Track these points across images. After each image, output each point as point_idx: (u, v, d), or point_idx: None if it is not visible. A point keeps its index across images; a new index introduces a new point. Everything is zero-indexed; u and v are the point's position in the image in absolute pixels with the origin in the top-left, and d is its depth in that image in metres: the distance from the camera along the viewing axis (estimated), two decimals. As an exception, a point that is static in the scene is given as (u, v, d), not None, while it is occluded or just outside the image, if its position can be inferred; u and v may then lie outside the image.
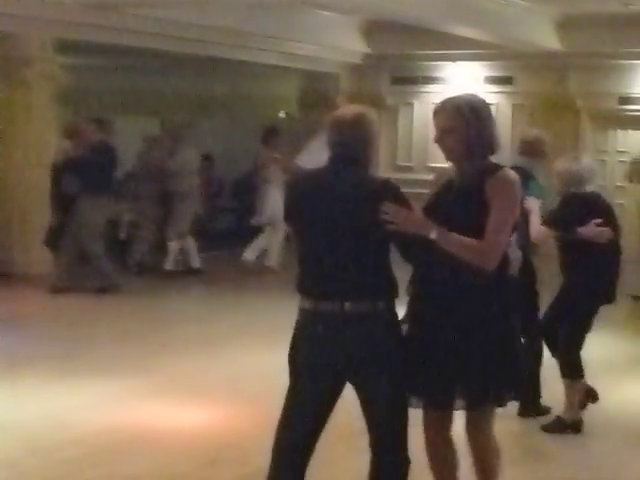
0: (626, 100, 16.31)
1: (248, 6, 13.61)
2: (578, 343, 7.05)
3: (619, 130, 16.51)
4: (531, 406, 7.20)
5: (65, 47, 13.71)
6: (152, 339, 9.72)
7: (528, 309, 6.95)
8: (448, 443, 4.70)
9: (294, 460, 4.55)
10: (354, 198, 4.34)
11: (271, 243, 14.15)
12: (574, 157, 7.29)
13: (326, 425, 4.57)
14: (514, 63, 16.76)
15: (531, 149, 7.49)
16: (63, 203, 12.01)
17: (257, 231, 14.31)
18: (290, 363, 4.58)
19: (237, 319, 10.84)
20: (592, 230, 6.74)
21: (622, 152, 16.34)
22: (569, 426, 7.01)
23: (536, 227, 6.89)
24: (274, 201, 13.81)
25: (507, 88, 17.08)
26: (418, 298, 4.52)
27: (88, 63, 17.66)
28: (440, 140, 4.55)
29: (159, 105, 19.30)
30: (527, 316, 6.87)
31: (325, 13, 15.36)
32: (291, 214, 4.56)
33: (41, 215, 12.78)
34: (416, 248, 4.37)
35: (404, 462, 4.54)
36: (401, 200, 4.31)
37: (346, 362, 4.39)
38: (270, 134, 14.48)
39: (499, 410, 4.66)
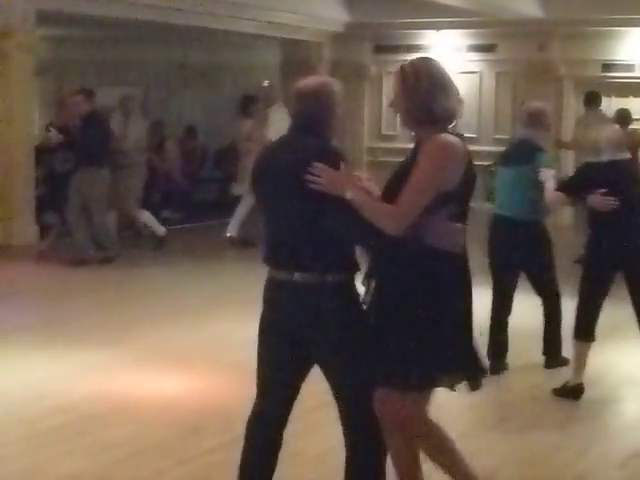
0: (609, 67, 16.36)
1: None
2: (586, 304, 7.14)
3: (603, 97, 16.51)
4: (554, 359, 7.79)
5: (45, 18, 13.64)
6: (132, 309, 9.76)
7: (540, 270, 7.63)
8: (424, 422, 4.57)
9: (266, 430, 4.59)
10: (295, 166, 4.29)
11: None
12: (598, 127, 7.48)
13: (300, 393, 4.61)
14: (497, 31, 16.79)
15: (535, 121, 7.63)
16: (54, 181, 11.94)
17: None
18: (259, 332, 4.59)
19: (217, 289, 10.88)
20: (596, 199, 6.82)
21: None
22: (570, 391, 7.11)
23: (550, 192, 7.13)
24: None
25: (490, 56, 17.12)
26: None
27: (68, 34, 17.61)
28: (390, 105, 4.52)
29: (141, 75, 19.26)
30: (540, 277, 7.67)
31: (306, -19, 15.35)
32: (252, 185, 4.60)
33: (23, 188, 12.77)
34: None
35: (377, 436, 4.47)
36: (333, 164, 4.25)
37: (298, 331, 4.41)
38: (248, 103, 14.37)
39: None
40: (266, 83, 19.37)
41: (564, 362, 7.73)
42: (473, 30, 17.03)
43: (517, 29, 16.45)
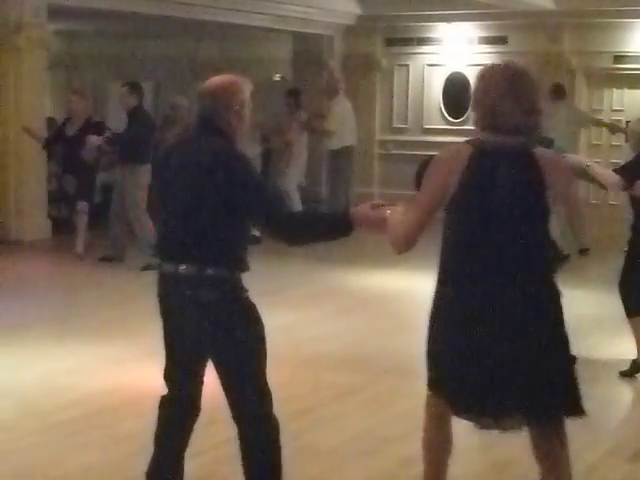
0: (621, 59, 16.31)
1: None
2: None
3: (614, 89, 16.52)
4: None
5: (57, 13, 13.70)
6: (146, 303, 9.74)
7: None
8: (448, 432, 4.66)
9: (172, 415, 4.86)
10: (193, 163, 4.41)
11: None
12: None
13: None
14: (508, 23, 16.76)
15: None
16: (84, 171, 11.79)
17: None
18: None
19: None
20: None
21: (618, 111, 16.37)
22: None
23: (611, 175, 7.04)
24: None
25: (501, 48, 17.06)
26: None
27: (80, 29, 17.67)
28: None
29: (153, 70, 19.31)
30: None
31: (318, -25, 15.37)
32: (153, 178, 4.70)
33: (35, 182, 12.84)
34: None
35: (266, 427, 4.66)
36: (234, 170, 4.34)
37: (177, 327, 4.66)
38: (296, 96, 14.47)
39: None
40: (277, 77, 19.46)
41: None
42: (484, 22, 17.00)
43: (528, 21, 16.43)
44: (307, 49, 18.21)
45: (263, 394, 4.62)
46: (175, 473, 4.84)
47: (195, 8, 14.50)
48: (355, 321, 9.13)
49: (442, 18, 17.08)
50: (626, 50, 16.25)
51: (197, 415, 4.88)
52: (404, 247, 4.24)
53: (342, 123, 14.73)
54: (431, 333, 4.33)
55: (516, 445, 5.90)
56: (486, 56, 16.98)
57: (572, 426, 6.25)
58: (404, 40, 17.97)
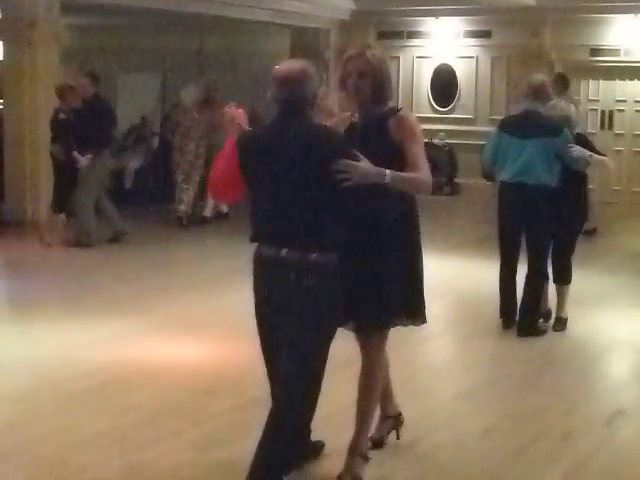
0: (597, 52, 16.29)
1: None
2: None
3: (591, 80, 16.50)
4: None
5: (69, 8, 13.63)
6: (148, 282, 9.81)
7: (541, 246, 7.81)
8: None
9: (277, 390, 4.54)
10: (298, 149, 4.30)
11: None
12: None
13: None
14: (492, 18, 16.74)
15: (539, 93, 7.78)
16: (58, 168, 11.53)
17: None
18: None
19: (230, 260, 10.88)
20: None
21: (594, 101, 16.36)
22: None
23: (606, 160, 7.98)
24: None
25: (486, 41, 17.06)
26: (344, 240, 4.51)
27: (91, 23, 17.58)
28: (354, 83, 4.70)
29: (160, 62, 19.24)
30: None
31: (315, -28, 15.32)
32: (244, 167, 4.49)
33: (48, 167, 12.78)
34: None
35: (298, 419, 4.51)
36: (347, 153, 4.28)
37: (277, 304, 4.42)
38: None
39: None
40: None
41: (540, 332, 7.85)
42: (470, 17, 16.98)
43: (511, 16, 16.39)
44: (304, 42, 18.17)
45: (315, 377, 4.43)
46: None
47: (200, 3, 14.45)
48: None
49: (430, 13, 17.05)
50: (602, 44, 16.23)
51: None
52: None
53: None
54: None
55: (497, 414, 5.95)
56: (472, 49, 17.01)
57: (548, 396, 6.33)
58: (395, 34, 17.94)
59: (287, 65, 4.51)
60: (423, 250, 4.90)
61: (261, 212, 4.47)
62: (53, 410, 5.94)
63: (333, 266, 4.37)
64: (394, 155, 4.58)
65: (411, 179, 4.51)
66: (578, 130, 7.96)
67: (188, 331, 7.81)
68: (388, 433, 5.32)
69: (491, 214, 8.11)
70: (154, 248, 11.88)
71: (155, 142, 16.91)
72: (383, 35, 18.08)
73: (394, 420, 5.33)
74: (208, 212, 13.64)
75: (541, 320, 7.96)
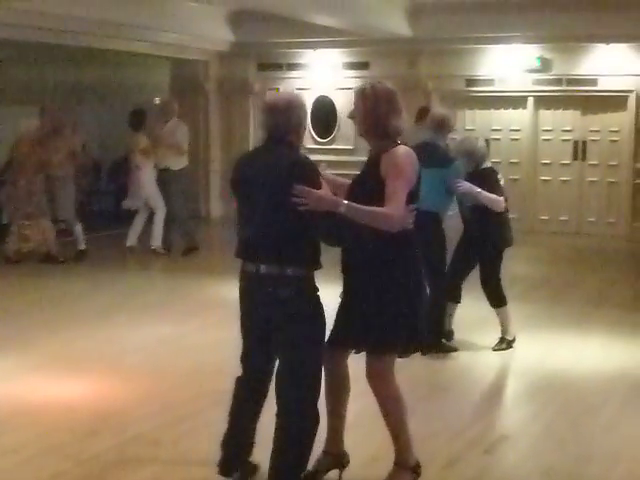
0: (472, 82, 16.63)
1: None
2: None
3: (467, 110, 16.82)
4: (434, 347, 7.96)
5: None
6: (30, 317, 9.57)
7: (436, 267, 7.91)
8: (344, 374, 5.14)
9: (251, 391, 5.02)
10: (272, 174, 4.64)
11: (153, 225, 13.69)
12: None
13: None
14: (370, 49, 16.92)
15: (440, 125, 8.19)
16: None
17: (132, 215, 13.99)
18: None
19: (113, 295, 10.75)
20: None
21: (470, 130, 16.67)
22: (510, 343, 8.24)
23: (492, 197, 8.02)
24: (148, 184, 13.56)
25: (364, 73, 17.20)
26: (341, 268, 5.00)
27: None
28: (349, 117, 5.08)
29: (37, 94, 18.89)
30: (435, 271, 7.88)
31: (193, 4, 15.26)
32: (232, 187, 4.89)
33: None
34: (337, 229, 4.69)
35: (305, 421, 4.77)
36: (310, 180, 4.56)
37: (258, 318, 4.82)
38: (136, 118, 14.00)
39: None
40: (157, 100, 19.24)
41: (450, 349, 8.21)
42: (348, 49, 17.14)
43: (388, 47, 16.60)
44: (184, 74, 18.16)
45: (311, 386, 4.78)
46: (246, 443, 5.08)
47: (77, 35, 14.22)
48: (234, 331, 9.03)
49: (309, 45, 17.16)
50: (477, 74, 16.57)
51: (266, 394, 5.05)
52: (401, 220, 4.70)
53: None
54: None
55: (382, 443, 5.94)
56: (350, 80, 17.17)
57: (433, 422, 6.36)
58: (275, 65, 18.01)
59: (275, 95, 4.85)
60: None
61: (243, 231, 4.84)
62: None
63: (309, 280, 4.73)
64: (377, 189, 4.72)
65: (369, 212, 4.62)
66: (486, 164, 8.16)
67: (71, 368, 7.63)
68: (327, 471, 5.22)
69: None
70: (37, 281, 11.62)
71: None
72: (263, 67, 18.14)
73: (333, 459, 5.24)
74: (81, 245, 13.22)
75: (444, 340, 8.23)
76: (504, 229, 8.35)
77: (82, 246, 13.22)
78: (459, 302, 8.36)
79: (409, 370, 7.58)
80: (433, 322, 7.89)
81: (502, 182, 8.27)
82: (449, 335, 8.35)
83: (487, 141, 16.51)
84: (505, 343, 8.31)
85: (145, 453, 5.69)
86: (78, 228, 13.20)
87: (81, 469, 5.46)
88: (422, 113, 13.76)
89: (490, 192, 7.91)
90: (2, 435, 6.04)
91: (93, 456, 5.65)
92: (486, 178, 8.02)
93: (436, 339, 7.97)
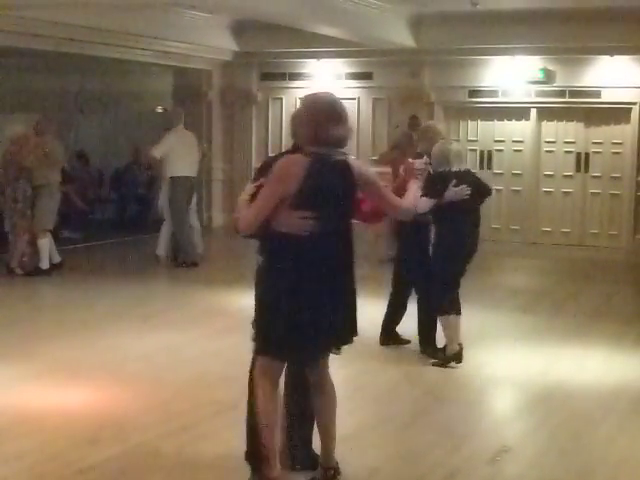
0: (475, 93, 16.66)
1: (124, 7, 13.45)
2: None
3: (469, 121, 16.85)
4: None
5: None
6: (32, 325, 9.59)
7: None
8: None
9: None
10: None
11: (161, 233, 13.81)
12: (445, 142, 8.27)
13: None
14: (373, 60, 16.95)
15: (422, 135, 8.62)
16: None
17: (136, 223, 13.97)
18: None
19: (114, 304, 10.76)
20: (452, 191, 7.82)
21: (472, 141, 16.70)
22: (453, 358, 8.07)
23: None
24: (161, 195, 13.72)
25: (367, 83, 17.28)
26: None
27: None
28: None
29: (39, 103, 18.94)
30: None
31: (196, 13, 15.30)
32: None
33: None
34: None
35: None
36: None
37: None
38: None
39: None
40: (159, 109, 19.31)
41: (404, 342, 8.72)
42: (351, 59, 17.16)
43: (392, 58, 16.63)
44: (187, 83, 18.18)
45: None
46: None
47: (79, 44, 14.25)
48: (234, 340, 9.05)
49: (312, 55, 17.18)
50: (480, 85, 16.60)
51: None
52: (248, 231, 4.92)
53: (173, 152, 13.87)
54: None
55: (382, 455, 5.95)
56: (353, 90, 17.21)
57: (433, 434, 6.37)
58: (277, 75, 18.05)
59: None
60: None
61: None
62: None
63: (265, 270, 5.00)
64: None
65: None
66: (456, 168, 8.02)
67: (71, 378, 7.63)
68: None
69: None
70: (39, 289, 11.66)
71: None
72: (266, 76, 18.18)
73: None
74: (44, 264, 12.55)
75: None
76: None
77: (56, 259, 12.74)
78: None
79: (409, 381, 7.65)
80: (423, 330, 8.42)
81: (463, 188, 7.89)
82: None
83: (490, 152, 16.65)
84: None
85: (146, 462, 5.70)
86: (45, 242, 12.52)
87: (82, 477, 5.47)
88: (412, 121, 14.08)
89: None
90: (3, 443, 6.04)
91: (94, 465, 5.65)
92: (437, 180, 8.02)
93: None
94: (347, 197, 4.97)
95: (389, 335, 8.75)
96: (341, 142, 4.90)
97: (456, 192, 7.79)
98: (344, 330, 5.03)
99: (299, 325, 4.83)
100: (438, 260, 8.06)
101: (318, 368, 5.11)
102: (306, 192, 4.79)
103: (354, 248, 5.00)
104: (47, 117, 13.25)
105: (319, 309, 4.86)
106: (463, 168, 8.08)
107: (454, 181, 7.81)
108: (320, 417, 5.17)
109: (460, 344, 8.08)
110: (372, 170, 5.15)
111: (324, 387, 5.13)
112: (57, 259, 12.77)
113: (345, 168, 4.92)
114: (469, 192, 7.83)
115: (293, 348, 4.92)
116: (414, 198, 5.29)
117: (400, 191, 5.32)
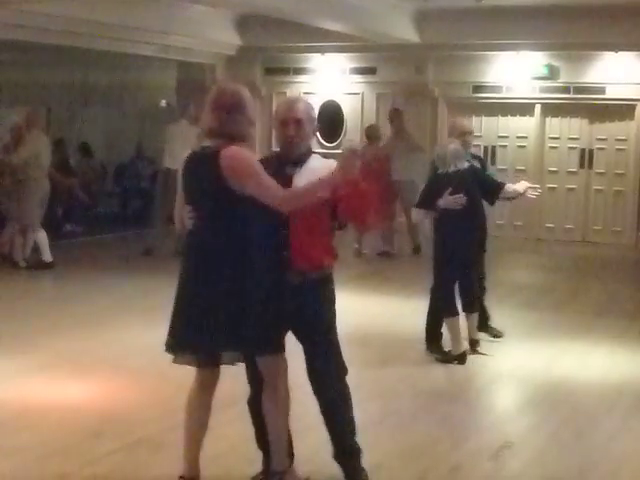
0: (479, 89, 16.67)
1: (128, 1, 13.46)
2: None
3: (474, 116, 16.82)
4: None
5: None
6: (37, 319, 9.60)
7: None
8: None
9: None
10: None
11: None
12: (441, 144, 8.43)
13: None
14: (377, 55, 16.96)
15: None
16: None
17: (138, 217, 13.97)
18: None
19: (118, 298, 10.77)
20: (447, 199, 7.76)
21: (476, 137, 16.65)
22: (455, 358, 8.03)
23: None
24: None
25: (371, 78, 17.29)
26: None
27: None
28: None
29: (44, 96, 18.96)
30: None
31: (201, 8, 15.29)
32: None
33: None
34: None
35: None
36: None
37: None
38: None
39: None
40: (163, 103, 19.31)
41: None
42: (355, 54, 17.18)
43: (396, 53, 16.64)
44: (191, 77, 18.15)
45: None
46: None
47: (83, 37, 14.26)
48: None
49: (316, 49, 17.18)
50: (484, 81, 16.61)
51: None
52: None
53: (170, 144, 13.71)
54: None
55: (385, 451, 5.96)
56: (357, 85, 17.21)
57: (436, 430, 6.38)
58: (282, 70, 18.06)
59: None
60: None
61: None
62: None
63: None
64: None
65: None
66: (455, 167, 8.02)
67: (75, 370, 7.64)
68: None
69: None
70: (44, 283, 11.67)
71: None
72: (270, 71, 18.18)
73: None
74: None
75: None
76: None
77: (47, 258, 12.48)
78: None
79: (412, 377, 7.65)
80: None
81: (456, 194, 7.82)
82: (474, 344, 8.39)
83: (494, 148, 16.64)
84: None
85: (150, 456, 5.72)
86: (41, 236, 12.44)
87: (85, 471, 5.48)
88: (393, 114, 14.21)
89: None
90: (7, 436, 6.05)
91: (97, 458, 5.66)
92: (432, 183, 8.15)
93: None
94: (216, 189, 4.68)
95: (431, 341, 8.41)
96: (212, 132, 4.76)
97: (449, 201, 7.75)
98: (232, 334, 4.80)
99: (185, 320, 5.03)
100: (437, 262, 8.14)
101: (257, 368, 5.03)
102: (182, 188, 4.94)
103: (247, 244, 4.78)
104: (35, 110, 13.21)
105: (195, 307, 4.90)
106: (463, 167, 8.04)
107: (450, 189, 7.75)
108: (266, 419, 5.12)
109: (467, 349, 8.16)
110: (251, 159, 4.73)
111: (265, 390, 5.06)
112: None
113: (213, 158, 4.65)
114: (464, 202, 7.71)
115: (184, 342, 5.10)
116: (302, 188, 4.89)
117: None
